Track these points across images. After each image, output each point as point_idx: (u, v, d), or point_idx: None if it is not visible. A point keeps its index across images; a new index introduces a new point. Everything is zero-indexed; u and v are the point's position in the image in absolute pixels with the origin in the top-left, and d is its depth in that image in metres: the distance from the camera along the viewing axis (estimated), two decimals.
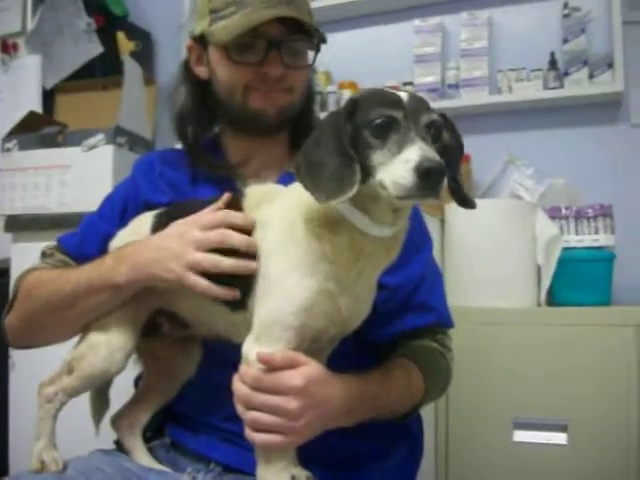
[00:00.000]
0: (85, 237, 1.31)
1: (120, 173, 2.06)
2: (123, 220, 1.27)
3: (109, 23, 2.95)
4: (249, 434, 0.97)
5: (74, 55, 2.81)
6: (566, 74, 2.54)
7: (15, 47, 2.83)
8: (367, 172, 0.89)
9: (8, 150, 2.39)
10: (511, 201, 2.42)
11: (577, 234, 2.25)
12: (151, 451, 1.24)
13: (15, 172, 2.35)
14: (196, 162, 1.32)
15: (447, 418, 2.03)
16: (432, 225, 2.11)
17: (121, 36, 2.91)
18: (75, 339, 1.20)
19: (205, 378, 1.23)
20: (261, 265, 1.03)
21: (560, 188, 2.46)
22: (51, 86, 2.78)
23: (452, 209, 2.21)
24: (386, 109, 0.89)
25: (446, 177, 0.85)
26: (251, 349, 0.98)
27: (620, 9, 2.48)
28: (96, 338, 1.14)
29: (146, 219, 1.21)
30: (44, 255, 1.32)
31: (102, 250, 1.23)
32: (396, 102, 0.90)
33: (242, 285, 1.04)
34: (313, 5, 2.67)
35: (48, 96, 2.78)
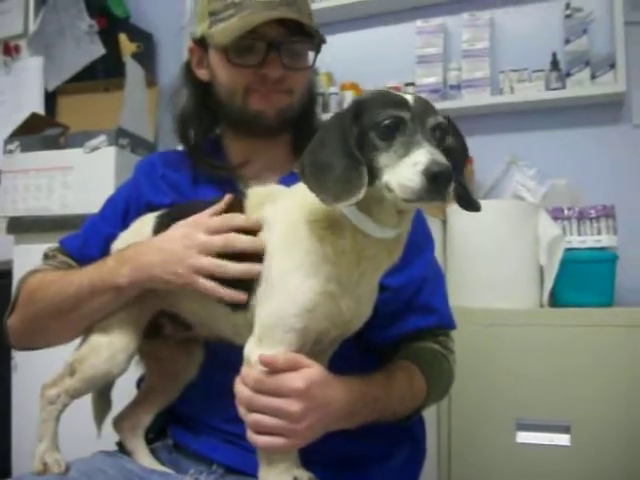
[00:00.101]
0: (87, 239, 1.31)
1: (122, 175, 2.06)
2: (125, 222, 1.28)
3: (111, 25, 2.95)
4: (251, 436, 0.97)
5: (76, 57, 2.81)
6: (568, 75, 2.54)
7: (17, 49, 2.84)
8: (373, 174, 0.89)
9: (10, 152, 2.39)
10: (513, 202, 2.42)
11: (580, 235, 2.25)
12: (153, 452, 1.25)
13: (17, 174, 2.36)
14: (197, 164, 1.32)
15: (450, 419, 2.03)
16: (434, 226, 2.10)
17: (123, 38, 2.92)
18: (77, 341, 1.20)
19: (207, 380, 1.23)
20: (264, 265, 1.03)
21: (562, 189, 2.46)
22: (53, 88, 2.79)
23: (454, 210, 2.21)
24: (393, 111, 0.89)
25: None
26: (253, 351, 0.98)
27: (622, 10, 2.47)
28: (98, 340, 1.14)
29: (148, 220, 1.21)
30: (46, 257, 1.32)
31: (104, 252, 1.23)
32: (402, 104, 0.90)
33: (244, 285, 1.04)
34: (315, 6, 2.70)
35: (50, 98, 2.79)
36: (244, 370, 0.98)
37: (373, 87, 2.56)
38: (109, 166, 2.21)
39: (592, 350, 1.91)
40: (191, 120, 1.34)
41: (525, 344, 1.98)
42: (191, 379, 1.25)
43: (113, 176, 2.20)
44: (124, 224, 1.27)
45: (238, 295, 1.04)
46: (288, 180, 1.13)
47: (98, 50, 2.85)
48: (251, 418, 0.96)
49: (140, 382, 1.33)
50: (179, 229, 1.11)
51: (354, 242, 0.96)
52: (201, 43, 1.27)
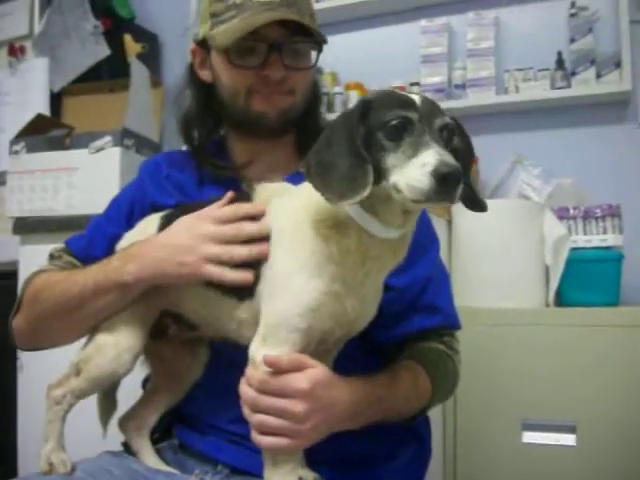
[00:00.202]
0: (92, 239, 1.31)
1: (127, 175, 2.07)
2: (130, 222, 1.28)
3: (116, 25, 2.96)
4: (255, 437, 0.97)
5: (81, 58, 2.82)
6: (573, 74, 2.53)
7: (22, 50, 2.85)
8: (380, 174, 0.89)
9: (16, 152, 2.40)
10: (519, 201, 2.41)
11: (585, 234, 2.24)
12: (159, 453, 1.25)
13: (23, 174, 2.36)
14: (201, 164, 1.32)
15: (455, 419, 2.02)
16: (439, 226, 2.10)
17: (128, 38, 2.92)
18: (83, 341, 1.20)
19: (212, 380, 1.23)
20: (271, 252, 1.03)
21: (568, 188, 2.45)
22: (58, 89, 2.80)
23: (459, 210, 2.21)
24: (401, 111, 0.89)
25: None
26: (258, 351, 0.98)
27: (627, 8, 2.46)
28: (104, 339, 1.14)
29: (153, 221, 1.21)
30: (52, 257, 1.32)
31: (109, 252, 1.23)
32: (410, 104, 0.90)
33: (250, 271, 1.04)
34: (319, 6, 2.70)
35: (55, 99, 2.80)
36: (249, 371, 0.98)
37: (378, 87, 2.56)
38: (114, 167, 2.22)
39: (598, 350, 1.90)
40: (195, 121, 1.34)
41: (531, 344, 1.97)
42: (196, 379, 1.25)
43: (118, 176, 2.20)
44: (129, 225, 1.27)
45: (245, 275, 1.04)
46: (292, 180, 1.13)
47: (103, 51, 2.86)
48: (256, 419, 0.96)
49: (146, 382, 1.33)
50: (182, 224, 1.12)
51: (359, 242, 0.96)
52: (203, 44, 1.27)
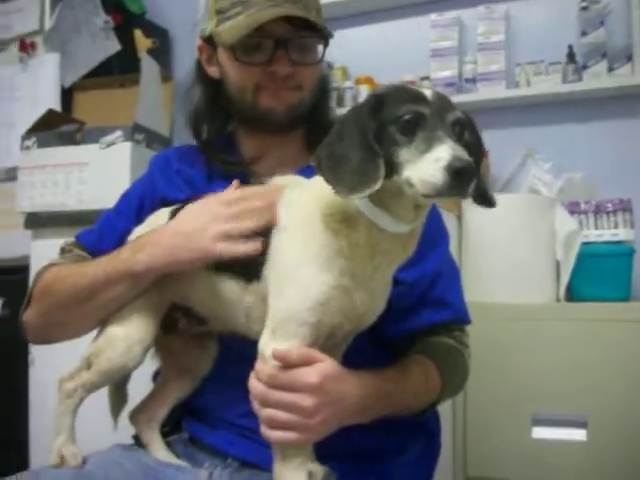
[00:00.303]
0: (102, 234, 1.32)
1: (138, 170, 2.07)
2: (140, 217, 1.28)
3: (126, 21, 2.96)
4: (265, 431, 0.97)
5: (92, 53, 2.83)
6: (585, 67, 2.52)
7: (33, 46, 2.85)
8: (392, 168, 0.89)
9: (27, 148, 2.41)
10: (529, 196, 2.40)
11: (596, 229, 2.23)
12: (169, 446, 1.25)
13: (34, 170, 2.38)
14: (210, 160, 1.32)
15: (465, 414, 2.02)
16: (449, 221, 2.10)
17: (138, 33, 2.93)
18: (93, 334, 1.21)
19: (221, 374, 1.24)
20: (277, 237, 1.03)
21: (579, 182, 2.44)
22: (69, 84, 2.80)
23: (469, 205, 2.19)
24: (413, 106, 0.89)
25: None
26: (267, 345, 0.98)
27: (639, 1, 2.44)
28: (114, 332, 1.15)
29: (163, 215, 1.21)
30: (62, 251, 1.33)
31: (119, 247, 1.23)
32: (422, 99, 0.90)
33: (257, 255, 1.04)
34: (329, 0, 2.68)
35: (66, 94, 2.80)
36: (258, 365, 0.98)
37: (388, 81, 2.55)
38: (125, 161, 2.23)
39: (609, 344, 1.89)
40: (204, 117, 1.34)
41: (541, 338, 1.97)
42: (206, 373, 1.25)
43: (129, 171, 2.21)
44: (139, 219, 1.28)
45: (255, 244, 1.04)
46: (302, 175, 1.13)
47: (114, 46, 2.86)
48: (265, 413, 0.96)
49: (156, 376, 1.33)
50: (191, 210, 1.13)
51: (369, 236, 0.96)
52: (210, 41, 1.27)
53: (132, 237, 1.24)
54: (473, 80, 2.69)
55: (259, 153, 1.30)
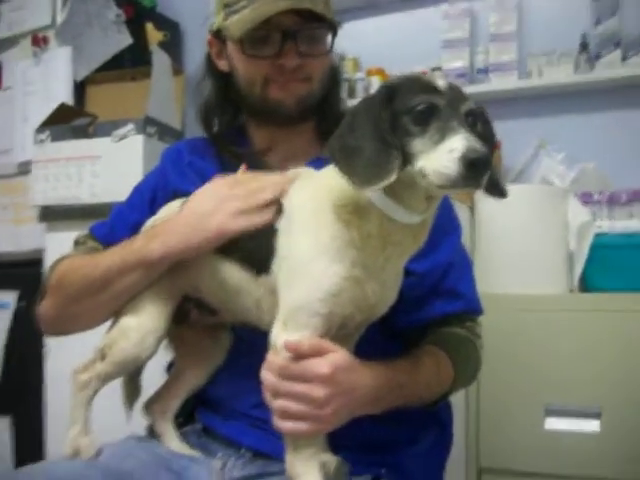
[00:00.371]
0: (115, 226, 1.33)
1: (150, 163, 2.08)
2: (152, 209, 1.29)
3: (138, 14, 2.96)
4: (277, 422, 0.97)
5: (104, 46, 2.83)
6: (598, 57, 2.49)
7: (46, 40, 2.86)
8: (405, 159, 0.88)
9: (41, 141, 2.43)
10: (542, 187, 2.39)
11: (610, 220, 2.22)
12: (183, 437, 1.26)
13: (48, 163, 2.39)
14: (221, 152, 1.33)
15: (478, 405, 2.02)
16: (462, 212, 2.09)
17: (150, 27, 2.93)
18: (107, 325, 1.22)
19: (234, 365, 1.24)
20: (286, 225, 1.04)
21: (592, 173, 2.42)
22: (81, 78, 2.81)
23: (482, 196, 2.19)
24: (427, 96, 0.89)
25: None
26: (279, 336, 0.98)
27: None
28: (127, 323, 1.15)
29: (175, 207, 1.21)
30: (76, 244, 1.34)
31: None
32: (436, 89, 0.90)
33: (266, 244, 1.05)
34: None
35: (79, 88, 2.81)
36: (270, 356, 0.99)
37: (399, 72, 2.54)
38: (137, 154, 2.24)
39: (622, 335, 1.88)
40: (214, 110, 1.35)
41: (555, 329, 1.96)
42: (219, 364, 1.26)
43: (141, 164, 2.22)
44: (151, 211, 1.28)
45: (269, 213, 1.06)
46: (313, 167, 1.13)
47: (125, 39, 2.87)
48: (276, 404, 0.96)
49: (170, 367, 1.34)
50: (201, 194, 1.14)
51: (380, 227, 0.96)
52: (218, 35, 1.27)
53: (145, 228, 1.24)
54: (485, 71, 2.68)
55: (269, 145, 1.31)
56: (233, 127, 1.37)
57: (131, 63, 2.86)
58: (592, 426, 1.87)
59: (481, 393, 2.01)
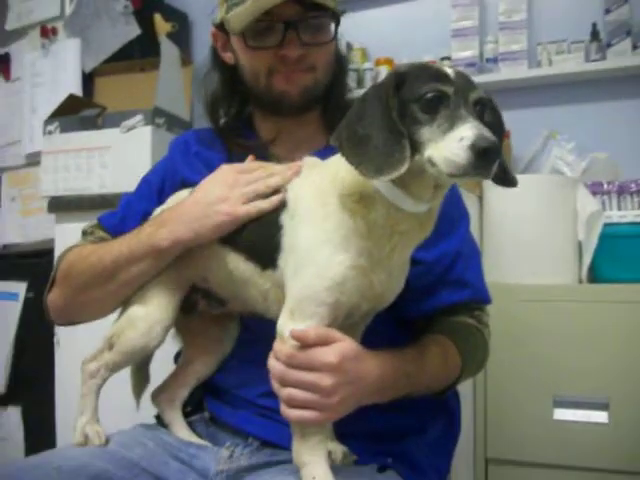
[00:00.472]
0: (124, 216, 1.33)
1: (158, 154, 2.08)
2: (160, 199, 1.29)
3: (146, 5, 2.95)
4: (284, 410, 0.97)
5: (112, 38, 2.83)
6: (609, 45, 2.47)
7: (54, 31, 2.87)
8: (413, 148, 0.88)
9: (50, 133, 2.44)
10: (551, 177, 2.38)
11: (620, 209, 2.21)
12: (191, 425, 1.27)
13: (57, 154, 2.40)
14: (227, 143, 1.33)
15: (486, 396, 2.02)
16: (471, 202, 2.09)
17: (158, 18, 2.92)
18: (116, 315, 1.22)
19: (241, 354, 1.25)
20: (290, 220, 1.04)
21: (602, 163, 2.40)
22: (90, 69, 2.82)
23: (491, 185, 2.18)
24: (436, 84, 0.88)
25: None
26: (285, 325, 0.98)
27: None
28: (135, 313, 1.16)
29: (183, 196, 1.21)
30: (84, 234, 1.35)
31: None
32: (445, 77, 0.89)
33: (271, 240, 1.05)
34: None
35: (87, 79, 2.82)
36: (277, 345, 0.99)
37: (408, 62, 2.53)
38: (145, 145, 2.24)
39: (631, 326, 1.88)
40: (221, 102, 1.35)
41: (563, 320, 1.96)
42: (226, 353, 1.27)
43: (150, 155, 2.22)
44: (159, 201, 1.29)
45: (276, 197, 1.07)
46: (319, 156, 1.13)
47: (134, 30, 2.86)
48: (284, 392, 0.96)
49: (178, 357, 1.35)
50: (208, 182, 1.15)
51: (387, 216, 0.96)
52: (222, 28, 1.27)
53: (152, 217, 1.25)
54: (494, 60, 2.66)
55: (275, 136, 1.30)
56: (239, 119, 1.37)
57: (139, 54, 2.86)
58: (600, 417, 1.87)
59: (489, 383, 2.01)
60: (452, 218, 1.20)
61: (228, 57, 1.31)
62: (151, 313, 1.15)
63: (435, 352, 1.14)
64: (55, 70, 2.83)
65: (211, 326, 1.26)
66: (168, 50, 2.65)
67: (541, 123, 2.60)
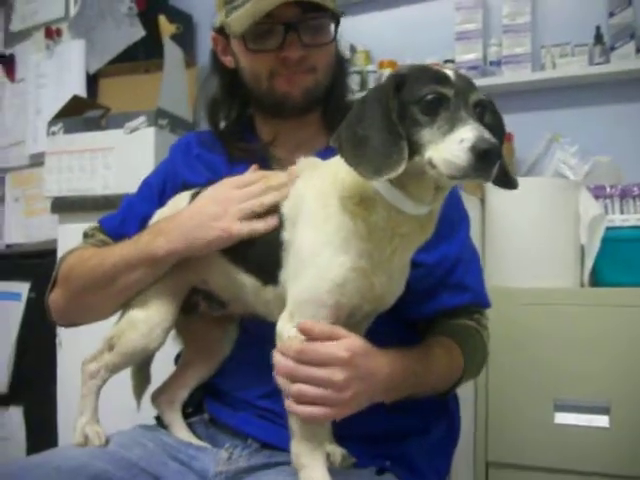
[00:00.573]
0: (125, 218, 1.33)
1: (162, 155, 2.06)
2: (162, 201, 1.30)
3: (150, 6, 2.96)
4: (292, 407, 0.95)
5: (116, 39, 2.84)
6: (612, 49, 2.46)
7: (59, 32, 2.88)
8: (413, 149, 0.88)
9: (54, 133, 2.45)
10: (553, 180, 2.37)
11: (622, 213, 2.20)
12: (191, 427, 1.27)
13: (61, 155, 2.41)
14: (227, 147, 1.33)
15: (487, 400, 2.02)
16: (472, 205, 2.09)
17: (162, 19, 2.93)
18: (117, 316, 1.23)
19: (242, 356, 1.25)
20: (292, 233, 1.04)
21: (605, 166, 2.40)
22: (94, 70, 2.83)
23: (492, 188, 2.17)
24: (436, 86, 0.88)
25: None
26: (285, 327, 0.98)
27: None
28: (135, 315, 1.16)
29: (184, 198, 1.23)
30: (86, 236, 1.35)
31: (141, 231, 1.24)
32: (445, 79, 0.89)
33: (272, 257, 1.05)
34: None
35: (91, 80, 2.83)
36: (280, 344, 0.98)
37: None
38: (149, 146, 2.25)
39: (633, 330, 1.87)
40: (221, 106, 1.35)
41: (565, 324, 1.95)
42: (226, 355, 1.27)
43: (153, 156, 2.23)
44: (161, 203, 1.29)
45: (271, 220, 1.07)
46: (320, 157, 1.13)
47: (138, 32, 2.87)
48: (294, 388, 0.94)
49: (178, 358, 1.35)
50: (208, 194, 1.15)
51: (387, 218, 0.96)
52: (222, 32, 1.28)
53: (154, 220, 1.25)
54: (498, 63, 2.66)
55: (276, 137, 1.31)
56: (240, 122, 1.37)
57: (144, 55, 2.86)
58: (601, 421, 1.87)
59: (490, 386, 2.01)
60: (452, 221, 1.20)
61: (228, 61, 1.31)
62: (152, 315, 1.15)
63: (440, 353, 1.15)
64: (59, 71, 2.85)
65: (211, 328, 1.26)
66: (172, 52, 2.66)
67: (544, 126, 2.60)
